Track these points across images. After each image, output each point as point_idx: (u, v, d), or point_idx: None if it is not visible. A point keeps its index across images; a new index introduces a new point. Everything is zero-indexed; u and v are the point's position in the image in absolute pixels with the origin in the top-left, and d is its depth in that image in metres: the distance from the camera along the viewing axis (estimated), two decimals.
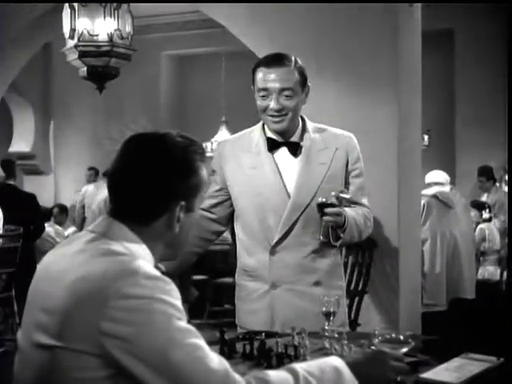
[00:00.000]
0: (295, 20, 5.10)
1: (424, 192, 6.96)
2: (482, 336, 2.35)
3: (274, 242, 2.90)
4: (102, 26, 5.29)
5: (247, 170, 2.95)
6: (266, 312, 2.93)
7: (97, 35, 5.29)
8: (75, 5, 5.29)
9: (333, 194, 2.79)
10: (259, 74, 2.89)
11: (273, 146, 2.95)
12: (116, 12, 5.30)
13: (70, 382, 1.59)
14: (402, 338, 1.96)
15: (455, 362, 2.16)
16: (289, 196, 2.90)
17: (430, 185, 7.14)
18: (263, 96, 2.87)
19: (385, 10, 4.87)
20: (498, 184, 8.92)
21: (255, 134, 3.01)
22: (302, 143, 2.94)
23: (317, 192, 2.87)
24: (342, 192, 2.82)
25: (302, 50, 5.11)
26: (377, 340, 1.97)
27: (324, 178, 2.91)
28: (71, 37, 5.33)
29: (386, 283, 4.90)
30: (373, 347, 2.02)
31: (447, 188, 7.06)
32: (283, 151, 2.95)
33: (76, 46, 5.29)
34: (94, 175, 10.60)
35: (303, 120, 3.01)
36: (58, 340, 1.59)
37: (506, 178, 9.06)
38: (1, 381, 5.43)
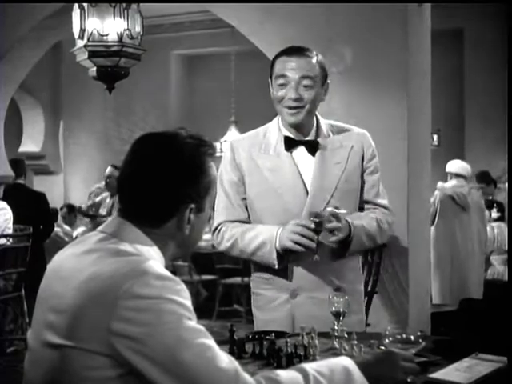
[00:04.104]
0: (305, 20, 5.09)
1: (441, 186, 6.90)
2: (491, 336, 2.34)
3: None
4: (111, 26, 5.29)
5: (266, 172, 2.82)
6: (286, 321, 2.82)
7: (106, 35, 5.29)
8: (85, 5, 5.29)
9: (328, 209, 2.66)
10: (278, 63, 2.78)
11: (290, 144, 2.83)
12: (125, 12, 5.29)
13: (80, 381, 1.59)
14: (412, 338, 1.96)
15: (465, 362, 2.15)
16: None
17: (450, 174, 7.05)
18: (281, 85, 2.74)
19: (394, 9, 4.86)
20: (501, 186, 8.90)
21: (272, 134, 2.87)
22: (319, 141, 2.83)
23: (334, 193, 2.77)
24: (337, 208, 2.68)
25: (311, 49, 5.10)
26: (387, 340, 1.97)
27: (340, 179, 2.80)
28: (81, 37, 5.34)
29: (395, 283, 4.89)
30: (382, 347, 2.02)
31: (466, 189, 6.97)
32: (301, 150, 2.84)
33: (86, 46, 5.29)
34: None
35: (317, 118, 2.89)
36: (68, 339, 1.60)
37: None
38: (11, 380, 5.46)
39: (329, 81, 2.85)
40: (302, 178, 2.81)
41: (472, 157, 10.17)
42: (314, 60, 2.78)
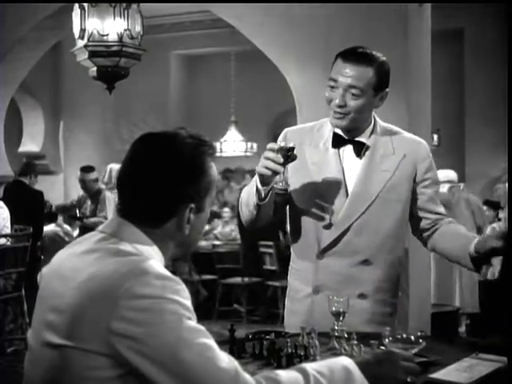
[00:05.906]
0: (305, 20, 5.09)
1: None
2: (491, 336, 2.34)
3: (324, 246, 2.77)
4: (111, 26, 5.30)
5: (310, 166, 2.79)
6: (304, 315, 2.81)
7: (106, 35, 5.29)
8: (85, 5, 5.30)
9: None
10: (335, 65, 2.74)
11: (338, 142, 2.80)
12: (126, 12, 5.30)
13: (80, 381, 1.59)
14: (412, 338, 1.96)
15: (465, 362, 2.15)
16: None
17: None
18: (331, 87, 2.71)
19: (394, 9, 4.86)
20: (500, 185, 8.91)
21: (325, 130, 2.85)
22: (368, 143, 2.79)
23: (374, 201, 2.73)
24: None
25: (311, 50, 5.11)
26: (387, 340, 1.96)
27: (384, 187, 2.75)
28: (81, 37, 5.34)
29: None
30: (382, 347, 2.02)
31: (445, 189, 7.01)
32: (348, 149, 2.81)
33: (86, 46, 5.30)
34: None
35: (374, 120, 2.86)
36: (68, 339, 1.60)
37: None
38: (11, 380, 5.46)
39: (387, 89, 2.79)
40: (344, 178, 2.78)
41: (472, 157, 10.17)
42: (371, 69, 2.71)
